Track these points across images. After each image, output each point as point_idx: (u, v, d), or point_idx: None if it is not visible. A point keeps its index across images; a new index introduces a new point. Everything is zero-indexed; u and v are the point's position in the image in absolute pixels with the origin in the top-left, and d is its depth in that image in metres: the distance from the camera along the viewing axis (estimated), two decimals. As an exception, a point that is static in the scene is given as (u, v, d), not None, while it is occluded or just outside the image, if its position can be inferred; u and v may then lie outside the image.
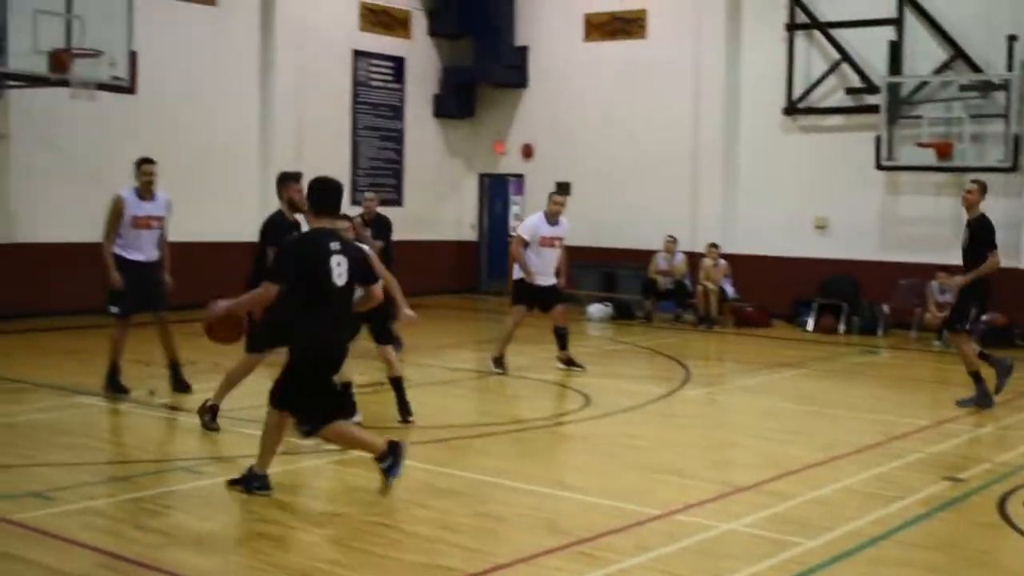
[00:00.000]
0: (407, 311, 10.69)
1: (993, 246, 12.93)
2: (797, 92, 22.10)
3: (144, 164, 12.29)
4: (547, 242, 14.63)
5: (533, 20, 25.19)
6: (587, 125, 24.44)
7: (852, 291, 20.76)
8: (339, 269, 8.12)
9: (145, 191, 12.22)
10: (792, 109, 22.15)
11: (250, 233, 12.36)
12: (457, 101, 25.51)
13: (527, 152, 25.41)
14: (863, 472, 9.64)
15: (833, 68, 21.75)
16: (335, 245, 8.17)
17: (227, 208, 20.66)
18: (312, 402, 8.10)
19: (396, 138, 24.74)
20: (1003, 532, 8.00)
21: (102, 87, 16.97)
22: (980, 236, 12.97)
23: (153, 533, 7.42)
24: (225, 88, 21.34)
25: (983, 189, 13.25)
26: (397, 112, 24.71)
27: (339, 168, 23.31)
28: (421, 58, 25.14)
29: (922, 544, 7.61)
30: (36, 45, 16.21)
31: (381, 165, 24.41)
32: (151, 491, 8.42)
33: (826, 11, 21.82)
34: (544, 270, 14.63)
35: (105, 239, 12.01)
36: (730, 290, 21.30)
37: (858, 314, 20.49)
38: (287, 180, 10.93)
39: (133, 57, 17.27)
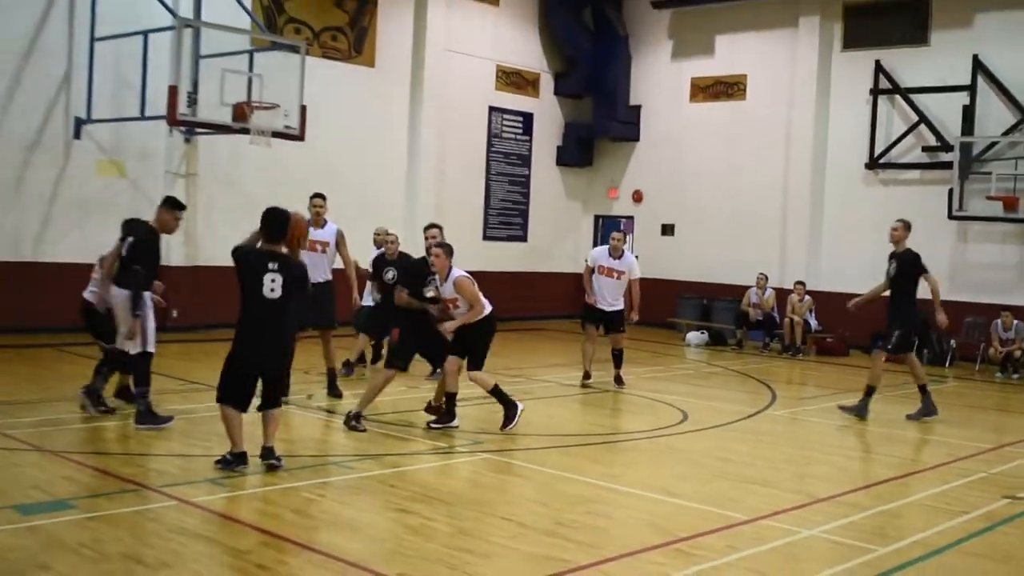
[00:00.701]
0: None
1: (926, 270, 13.17)
2: (879, 149, 21.78)
3: (314, 198, 12.82)
4: (606, 272, 14.84)
5: (646, 83, 25.17)
6: (690, 175, 24.37)
7: (924, 327, 20.29)
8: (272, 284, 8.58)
9: (315, 221, 12.55)
10: (873, 164, 21.84)
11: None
12: (577, 152, 25.58)
13: (637, 197, 25.39)
14: (930, 488, 9.46)
15: (912, 128, 21.40)
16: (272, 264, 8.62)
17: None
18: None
19: (523, 183, 24.87)
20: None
21: (276, 135, 17.29)
22: (908, 267, 13.10)
23: (309, 518, 7.58)
24: (377, 138, 21.70)
25: (907, 226, 13.53)
26: (525, 160, 24.86)
27: (474, 208, 23.59)
28: (547, 114, 25.26)
29: (984, 555, 7.46)
30: (222, 98, 16.63)
31: (510, 206, 24.57)
32: (308, 482, 8.56)
33: (906, 78, 21.48)
34: (604, 296, 14.82)
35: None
36: (813, 323, 21.03)
37: (929, 347, 20.07)
38: (428, 228, 11.80)
39: (303, 110, 17.60)
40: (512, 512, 7.95)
